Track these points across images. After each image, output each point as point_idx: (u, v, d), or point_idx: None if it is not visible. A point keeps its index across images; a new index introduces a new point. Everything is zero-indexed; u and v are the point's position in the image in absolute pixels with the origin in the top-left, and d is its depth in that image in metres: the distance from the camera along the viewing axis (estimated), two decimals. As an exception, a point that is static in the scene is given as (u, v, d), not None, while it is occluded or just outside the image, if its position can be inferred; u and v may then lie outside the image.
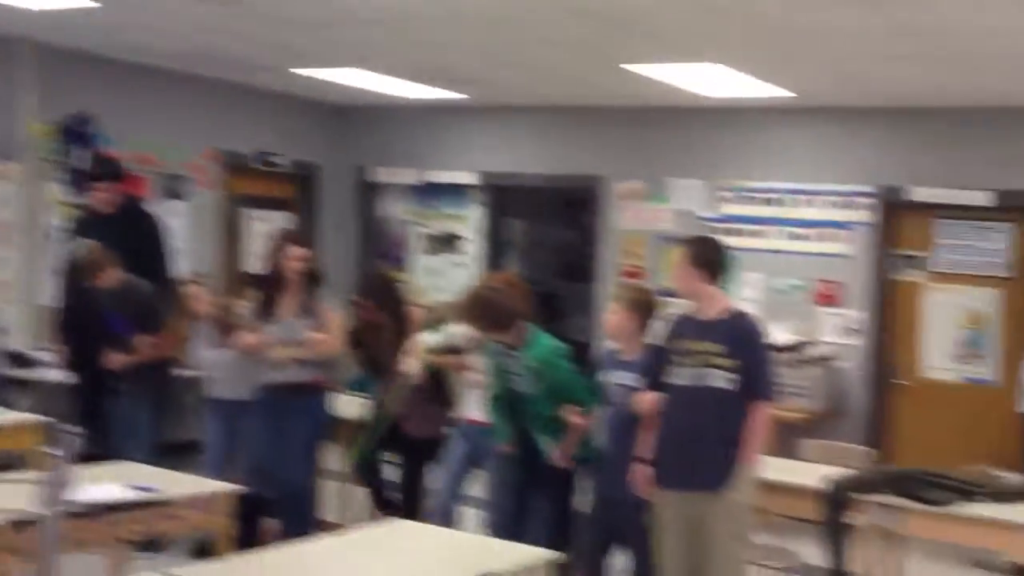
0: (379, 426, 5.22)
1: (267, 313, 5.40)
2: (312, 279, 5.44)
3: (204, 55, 7.07)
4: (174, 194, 7.86)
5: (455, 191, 8.84)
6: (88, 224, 6.18)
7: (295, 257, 5.33)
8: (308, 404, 5.47)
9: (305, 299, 5.39)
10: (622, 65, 6.21)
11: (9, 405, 5.85)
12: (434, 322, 5.41)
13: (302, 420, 5.47)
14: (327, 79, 7.57)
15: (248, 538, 4.95)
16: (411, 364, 5.12)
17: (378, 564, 3.43)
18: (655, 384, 4.28)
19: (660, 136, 7.88)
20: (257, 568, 3.33)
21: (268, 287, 5.43)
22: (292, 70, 7.35)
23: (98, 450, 5.65)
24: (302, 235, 5.78)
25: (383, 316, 5.37)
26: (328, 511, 5.75)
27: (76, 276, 5.74)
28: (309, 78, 7.60)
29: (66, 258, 6.10)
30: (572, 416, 4.49)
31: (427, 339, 5.16)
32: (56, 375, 6.23)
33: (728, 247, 4.49)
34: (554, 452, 4.56)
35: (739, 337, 4.17)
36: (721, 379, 4.11)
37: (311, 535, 4.54)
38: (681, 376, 4.19)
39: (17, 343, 6.71)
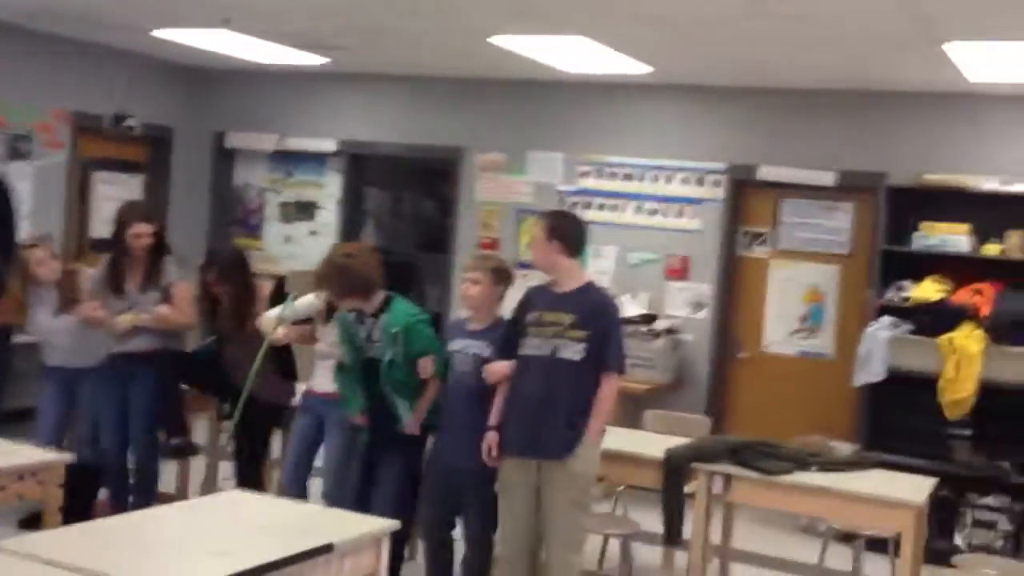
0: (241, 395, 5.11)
1: (113, 285, 5.30)
2: (159, 252, 5.35)
3: (59, 12, 6.78)
4: (19, 155, 7.53)
5: (313, 159, 8.71)
6: None
7: (140, 233, 5.24)
8: (151, 373, 5.36)
9: (152, 272, 5.32)
10: (488, 39, 6.20)
11: None
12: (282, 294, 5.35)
13: (144, 389, 5.36)
14: (187, 41, 7.34)
15: (83, 509, 4.83)
16: (271, 330, 5.04)
17: (215, 535, 3.37)
18: (507, 354, 4.31)
19: (522, 109, 7.91)
20: (86, 538, 3.24)
21: (114, 260, 5.33)
22: (153, 32, 7.11)
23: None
24: (148, 209, 5.61)
25: (225, 289, 5.26)
26: (167, 482, 5.62)
27: None
28: (167, 40, 7.36)
29: None
30: (426, 367, 4.49)
31: (274, 313, 5.08)
32: None
33: (585, 221, 4.54)
34: (408, 419, 4.56)
35: (592, 309, 4.24)
36: (572, 350, 4.17)
37: (149, 506, 4.45)
38: (533, 346, 4.24)
39: None
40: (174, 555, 3.16)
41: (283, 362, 5.33)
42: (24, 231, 6.64)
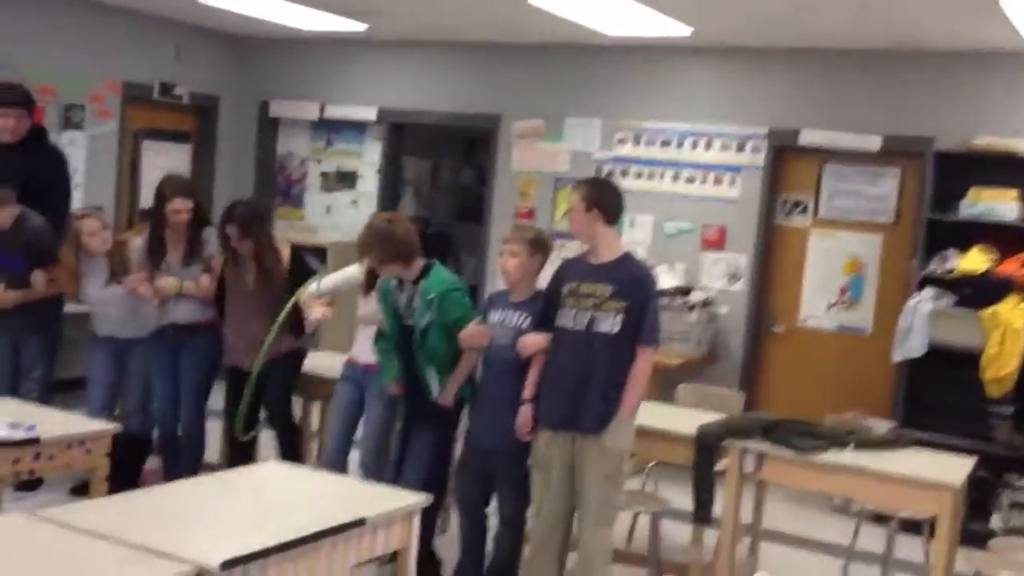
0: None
1: (154, 259, 5.41)
2: (199, 225, 5.44)
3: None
4: (72, 125, 7.69)
5: (354, 127, 8.76)
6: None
7: (178, 209, 5.33)
8: (200, 344, 5.48)
9: (192, 245, 5.42)
10: (528, 1, 6.16)
11: None
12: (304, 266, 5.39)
13: (193, 360, 5.48)
14: (232, 8, 7.39)
15: (130, 478, 4.95)
16: (309, 306, 5.11)
17: (251, 507, 3.45)
18: (546, 326, 4.30)
19: (560, 74, 7.85)
20: (126, 509, 3.32)
21: (154, 233, 5.44)
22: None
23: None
24: (186, 184, 5.69)
25: (246, 244, 5.26)
26: (212, 452, 5.74)
27: None
28: (213, 8, 7.42)
29: None
30: (474, 329, 4.48)
31: (320, 287, 5.13)
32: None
33: (623, 189, 4.49)
34: (441, 391, 4.58)
35: (629, 280, 4.20)
36: (609, 322, 4.15)
37: (195, 476, 4.55)
38: (569, 318, 4.22)
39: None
40: (209, 526, 3.23)
41: (295, 321, 5.34)
42: (78, 201, 6.81)
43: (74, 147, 7.50)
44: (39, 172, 5.92)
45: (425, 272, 4.58)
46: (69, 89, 7.60)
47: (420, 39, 8.19)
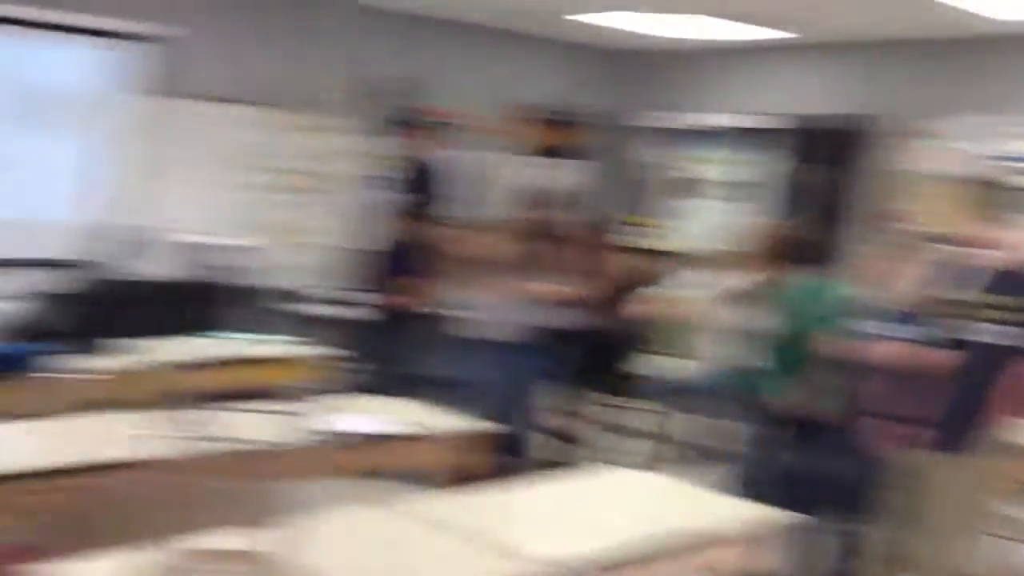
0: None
1: (524, 265, 5.69)
2: (563, 235, 5.79)
3: (485, 4, 7.40)
4: (471, 146, 8.29)
5: (724, 134, 8.74)
6: (411, 174, 6.75)
7: (533, 219, 5.78)
8: (560, 350, 5.71)
9: (556, 254, 5.71)
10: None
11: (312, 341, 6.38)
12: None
13: (549, 364, 5.71)
14: (600, 23, 7.66)
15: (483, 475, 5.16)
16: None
17: (596, 510, 3.47)
18: (948, 342, 3.96)
19: (942, 70, 7.41)
20: (457, 503, 3.42)
21: (522, 241, 5.75)
22: (565, 16, 7.48)
23: (383, 384, 6.11)
24: (546, 196, 6.11)
25: (583, 258, 5.60)
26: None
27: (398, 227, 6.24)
28: (586, 24, 7.71)
29: (391, 208, 6.64)
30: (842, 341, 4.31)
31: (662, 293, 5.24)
32: (354, 313, 6.75)
33: (1015, 188, 4.13)
34: (782, 396, 4.47)
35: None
36: (1001, 334, 3.80)
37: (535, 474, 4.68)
38: (966, 330, 3.89)
39: (327, 283, 7.43)
40: (556, 527, 3.27)
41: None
42: (474, 214, 7.35)
43: (469, 165, 8.01)
44: (439, 188, 6.47)
45: (804, 279, 4.56)
46: (473, 112, 8.25)
47: (790, 42, 8.00)
